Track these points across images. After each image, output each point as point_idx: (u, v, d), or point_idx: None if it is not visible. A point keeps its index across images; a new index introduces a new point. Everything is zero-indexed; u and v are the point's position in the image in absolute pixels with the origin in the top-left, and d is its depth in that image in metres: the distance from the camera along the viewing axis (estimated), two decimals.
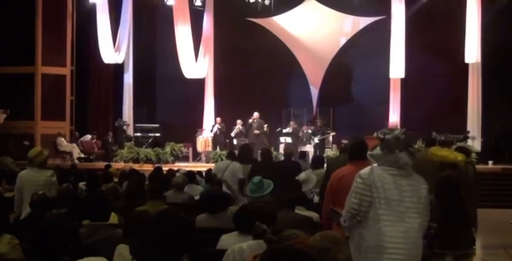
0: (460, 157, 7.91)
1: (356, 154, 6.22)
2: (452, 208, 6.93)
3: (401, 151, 5.00)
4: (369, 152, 5.28)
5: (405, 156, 5.01)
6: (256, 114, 22.81)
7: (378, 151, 5.12)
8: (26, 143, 18.97)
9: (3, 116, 22.58)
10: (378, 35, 23.54)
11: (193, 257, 2.96)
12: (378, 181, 4.94)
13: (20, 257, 5.24)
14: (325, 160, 13.12)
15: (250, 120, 22.70)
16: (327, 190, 6.37)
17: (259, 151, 14.70)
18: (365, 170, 5.07)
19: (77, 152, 22.85)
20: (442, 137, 19.82)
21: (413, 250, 4.90)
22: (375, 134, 5.30)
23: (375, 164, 5.13)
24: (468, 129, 21.58)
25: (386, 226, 4.87)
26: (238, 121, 23.15)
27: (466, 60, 21.79)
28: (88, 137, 23.86)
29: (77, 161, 21.77)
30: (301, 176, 10.41)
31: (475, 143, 20.65)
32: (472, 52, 21.56)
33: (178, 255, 2.91)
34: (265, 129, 22.61)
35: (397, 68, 22.28)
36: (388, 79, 22.96)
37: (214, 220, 6.90)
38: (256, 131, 22.42)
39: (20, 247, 5.38)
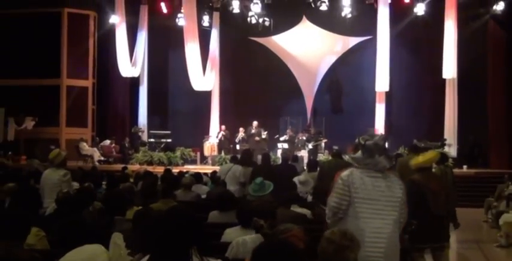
0: (431, 155, 7.92)
1: None
2: (416, 207, 6.90)
3: (380, 155, 4.99)
4: (350, 156, 5.26)
5: (384, 160, 5.00)
6: (255, 123, 22.84)
7: (359, 154, 5.10)
8: (52, 147, 18.85)
9: (32, 123, 22.66)
10: (365, 53, 23.55)
11: (201, 250, 2.94)
12: (356, 182, 4.92)
13: (46, 248, 5.23)
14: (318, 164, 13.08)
15: (253, 129, 22.72)
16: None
17: (260, 156, 14.71)
18: (345, 172, 5.05)
19: (97, 155, 22.83)
20: (422, 144, 19.68)
21: (390, 244, 4.86)
22: (356, 140, 5.26)
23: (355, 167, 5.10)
24: (445, 137, 21.54)
25: (365, 223, 4.85)
26: (241, 129, 23.18)
27: (444, 76, 21.81)
28: (107, 142, 23.84)
29: (97, 163, 21.75)
30: (301, 178, 10.42)
31: (451, 150, 20.62)
32: (449, 68, 21.60)
33: (188, 247, 2.89)
34: (264, 136, 22.61)
35: (382, 82, 22.26)
36: (374, 92, 22.94)
37: (224, 216, 6.91)
38: (257, 138, 22.45)
39: (46, 239, 5.37)
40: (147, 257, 2.89)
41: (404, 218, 5.08)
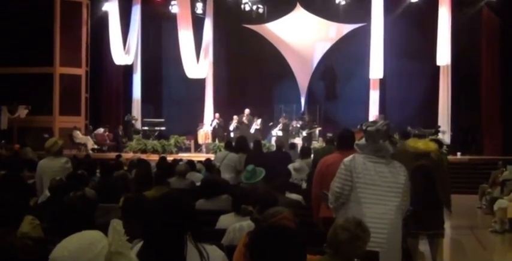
0: (432, 146, 7.94)
1: (344, 143, 6.21)
2: (425, 193, 6.93)
3: (384, 141, 4.99)
4: (356, 142, 5.26)
5: (388, 145, 5.01)
6: (247, 111, 22.87)
7: (363, 141, 5.11)
8: (46, 136, 18.84)
9: (26, 111, 22.59)
10: (359, 40, 23.49)
11: (195, 235, 2.92)
12: (358, 167, 4.95)
13: (40, 236, 5.22)
14: (312, 151, 13.09)
15: (244, 117, 22.71)
16: (316, 175, 6.35)
17: (251, 143, 14.69)
18: (348, 158, 5.09)
19: (91, 143, 22.79)
20: (416, 131, 19.75)
21: (392, 230, 4.88)
22: (359, 127, 5.29)
23: (358, 153, 5.11)
24: (439, 123, 21.62)
25: (367, 208, 4.87)
26: (235, 117, 23.12)
27: (438, 63, 21.91)
28: (101, 130, 23.81)
29: (91, 151, 21.70)
30: (296, 165, 10.42)
31: (445, 137, 20.64)
32: (443, 55, 21.69)
33: (182, 233, 2.88)
34: (257, 125, 22.59)
35: (376, 70, 22.28)
36: (368, 80, 22.96)
37: (210, 204, 6.90)
38: (250, 126, 22.45)
39: (40, 227, 5.36)
40: (140, 243, 2.88)
41: (406, 205, 5.09)
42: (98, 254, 2.33)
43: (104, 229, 2.45)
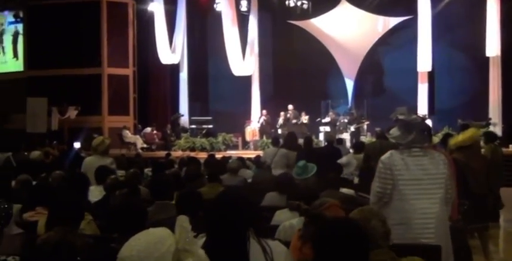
0: (470, 133, 7.79)
1: None
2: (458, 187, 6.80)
3: (417, 132, 4.89)
4: (390, 133, 5.15)
5: (423, 135, 4.91)
6: (290, 106, 22.85)
7: (396, 131, 5.01)
8: (95, 136, 19.03)
9: (75, 112, 22.90)
10: (406, 32, 23.25)
11: (257, 231, 2.92)
12: (397, 164, 4.85)
13: (95, 233, 5.27)
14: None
15: (288, 113, 22.70)
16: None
17: (301, 139, 14.63)
18: (385, 155, 4.99)
19: (140, 143, 22.98)
20: (467, 123, 19.53)
21: (439, 223, 4.79)
22: (391, 115, 5.20)
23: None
24: (490, 116, 21.25)
25: (411, 204, 4.78)
26: (282, 113, 23.11)
27: (487, 54, 21.50)
28: (148, 129, 24.00)
29: (140, 150, 21.90)
30: (343, 160, 10.34)
31: (496, 129, 20.24)
32: (492, 46, 21.28)
33: (245, 229, 2.87)
34: (305, 120, 22.56)
35: (424, 62, 21.97)
36: (416, 73, 22.66)
37: (281, 199, 6.88)
38: (294, 121, 22.45)
39: (94, 223, 5.41)
40: (203, 239, 2.88)
41: (451, 193, 4.99)
42: (165, 252, 2.32)
43: (159, 226, 2.46)
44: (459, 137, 7.72)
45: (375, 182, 4.98)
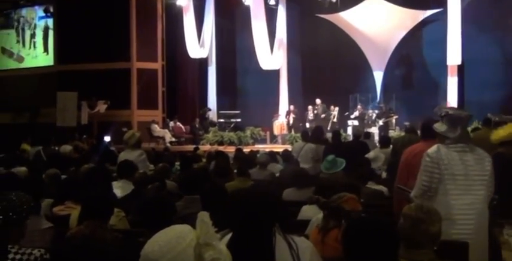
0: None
1: (428, 133, 6.07)
2: (503, 182, 6.73)
3: (462, 128, 4.87)
4: (436, 128, 5.11)
5: (467, 132, 4.91)
6: (318, 101, 22.79)
7: (441, 126, 4.98)
8: (124, 129, 19.21)
9: (105, 106, 23.10)
10: (436, 26, 23.02)
11: (283, 227, 2.93)
12: (444, 159, 4.84)
13: (126, 228, 5.31)
14: (391, 140, 12.90)
15: (312, 108, 22.66)
16: (401, 166, 6.23)
17: (329, 133, 14.62)
18: (432, 149, 4.96)
19: (168, 136, 23.08)
20: (497, 118, 19.26)
21: (480, 219, 4.78)
22: (435, 109, 5.15)
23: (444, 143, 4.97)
24: None
25: (454, 199, 4.77)
26: (309, 107, 23.09)
27: None
28: (177, 123, 24.10)
29: (168, 144, 22.02)
30: (371, 154, 10.29)
31: None
32: None
33: (271, 224, 2.89)
34: (334, 112, 22.54)
35: (454, 56, 21.72)
36: (445, 66, 22.43)
37: (301, 194, 6.89)
38: (323, 115, 22.37)
39: (126, 219, 5.46)
40: (229, 235, 2.90)
41: (492, 192, 4.97)
42: (186, 247, 2.37)
43: (187, 221, 2.50)
44: (500, 133, 7.60)
45: (421, 175, 4.95)
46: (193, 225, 2.43)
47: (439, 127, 5.01)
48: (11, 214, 3.48)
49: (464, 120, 4.93)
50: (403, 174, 6.08)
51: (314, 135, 12.15)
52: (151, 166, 9.68)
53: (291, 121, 23.39)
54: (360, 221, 3.15)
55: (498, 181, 5.16)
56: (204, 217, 2.37)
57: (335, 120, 22.61)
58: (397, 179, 6.23)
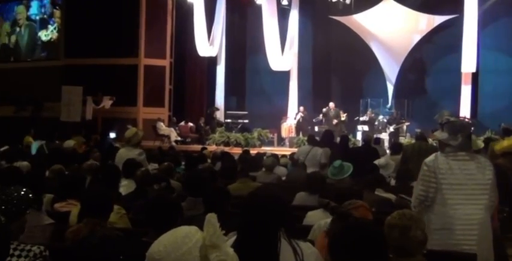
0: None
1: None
2: (501, 194, 6.70)
3: (463, 136, 4.85)
4: (436, 135, 5.10)
5: (468, 140, 4.88)
6: (332, 104, 22.65)
7: (441, 134, 4.96)
8: (129, 127, 19.24)
9: (110, 102, 23.08)
10: (451, 32, 22.96)
11: (289, 232, 2.93)
12: (442, 168, 4.82)
13: (127, 226, 5.32)
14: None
15: (325, 109, 22.56)
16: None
17: (338, 138, 14.58)
18: (430, 158, 4.95)
19: (174, 135, 23.07)
20: (510, 128, 19.25)
21: (482, 230, 4.76)
22: (436, 117, 5.13)
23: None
24: None
25: (454, 209, 4.75)
26: (324, 110, 22.93)
27: None
28: (183, 122, 24.10)
29: (174, 143, 22.01)
30: (382, 161, 10.29)
31: None
32: None
33: (276, 229, 2.89)
34: (343, 117, 22.45)
35: (468, 63, 21.63)
36: (460, 73, 22.36)
37: (311, 199, 6.87)
38: (335, 121, 22.22)
39: (127, 217, 5.47)
40: (234, 238, 2.91)
41: (494, 201, 4.95)
42: (191, 247, 2.39)
43: (190, 223, 2.51)
44: (504, 143, 7.62)
45: (417, 185, 4.95)
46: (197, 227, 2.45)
47: (439, 135, 4.99)
48: (10, 206, 3.50)
49: (467, 128, 4.92)
50: None
51: (323, 139, 12.13)
52: (155, 165, 9.69)
53: (300, 120, 23.28)
54: (346, 228, 3.14)
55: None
56: (211, 218, 2.39)
57: (343, 123, 22.47)
58: (414, 188, 6.20)
